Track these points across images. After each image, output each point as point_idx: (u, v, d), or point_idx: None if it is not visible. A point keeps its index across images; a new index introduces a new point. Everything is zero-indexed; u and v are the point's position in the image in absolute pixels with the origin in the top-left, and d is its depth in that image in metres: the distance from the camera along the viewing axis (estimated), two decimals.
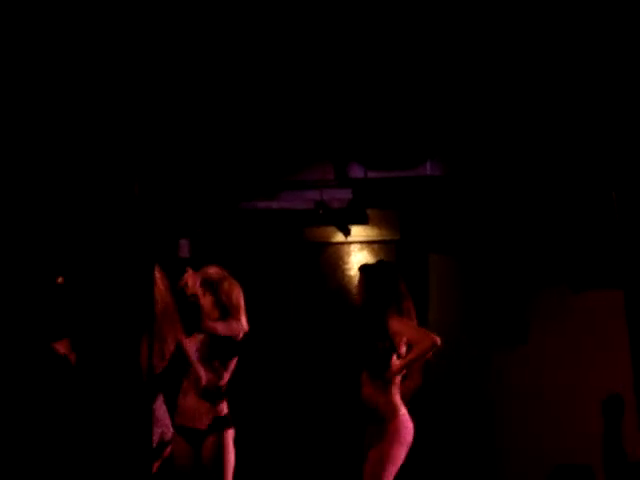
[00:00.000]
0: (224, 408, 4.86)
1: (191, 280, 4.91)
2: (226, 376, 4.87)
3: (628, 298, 4.58)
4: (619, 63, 4.48)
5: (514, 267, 6.81)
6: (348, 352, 5.40)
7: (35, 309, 4.53)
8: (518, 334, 6.76)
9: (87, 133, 3.94)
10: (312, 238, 7.12)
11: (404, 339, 4.85)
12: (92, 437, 3.63)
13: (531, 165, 5.55)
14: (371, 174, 5.96)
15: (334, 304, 6.90)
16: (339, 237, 6.98)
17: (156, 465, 4.50)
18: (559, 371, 6.59)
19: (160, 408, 4.49)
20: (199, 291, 4.88)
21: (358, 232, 6.95)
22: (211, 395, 4.82)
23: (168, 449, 4.58)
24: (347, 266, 7.02)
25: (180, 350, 4.56)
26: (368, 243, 7.02)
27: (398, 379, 4.88)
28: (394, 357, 4.83)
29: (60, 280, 4.90)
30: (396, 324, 4.85)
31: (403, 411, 4.82)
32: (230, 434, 4.88)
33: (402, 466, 4.81)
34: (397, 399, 4.84)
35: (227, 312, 4.87)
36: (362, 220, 6.88)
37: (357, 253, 7.03)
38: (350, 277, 6.81)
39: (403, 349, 4.87)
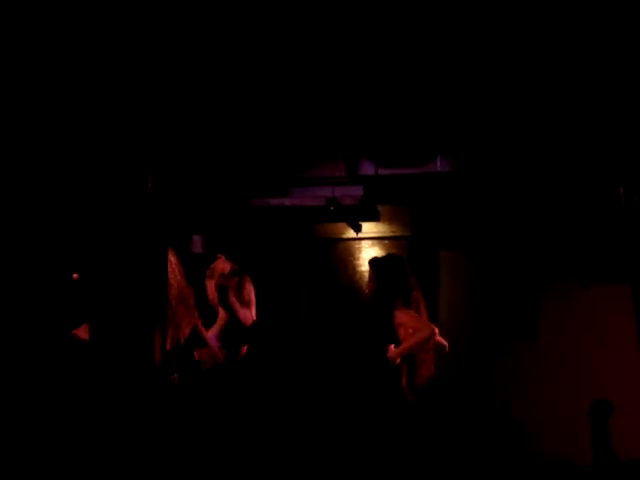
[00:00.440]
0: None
1: (220, 274, 5.06)
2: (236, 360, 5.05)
3: (636, 292, 4.60)
4: (626, 60, 4.50)
5: (523, 262, 6.81)
6: (358, 347, 5.43)
7: (53, 302, 4.60)
8: (527, 329, 6.77)
9: (101, 131, 3.98)
10: (323, 234, 7.15)
11: (409, 330, 4.92)
12: (107, 420, 3.70)
13: (540, 161, 5.57)
14: (382, 171, 5.97)
15: (345, 300, 6.94)
16: (350, 233, 6.99)
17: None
18: (568, 366, 6.58)
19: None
20: (229, 282, 5.05)
21: (369, 228, 6.97)
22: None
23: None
24: (358, 262, 7.05)
25: (196, 333, 4.66)
26: (379, 239, 7.04)
27: (403, 370, 4.94)
28: (392, 346, 4.91)
29: (75, 276, 4.97)
30: (401, 315, 4.93)
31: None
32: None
33: (409, 460, 4.86)
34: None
35: (244, 303, 5.09)
36: (373, 216, 6.89)
37: (368, 249, 7.05)
38: (361, 273, 6.83)
39: (407, 340, 4.95)
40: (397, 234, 6.98)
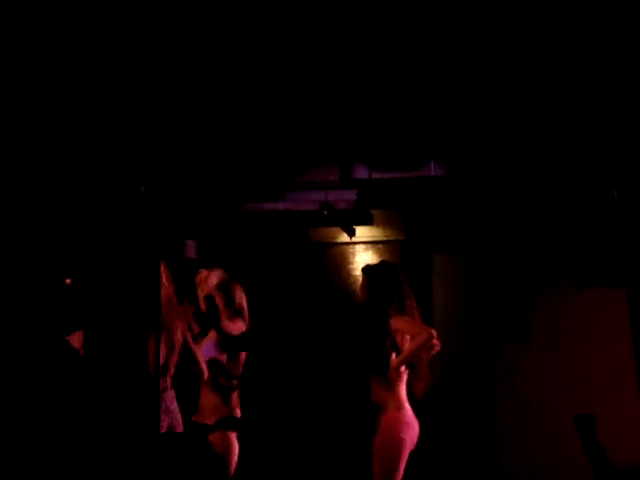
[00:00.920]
0: (236, 408, 4.98)
1: (209, 281, 5.06)
2: (237, 370, 5.03)
3: (630, 296, 4.61)
4: (620, 64, 4.51)
5: (517, 266, 6.81)
6: (353, 352, 5.44)
7: (45, 308, 4.59)
8: (521, 332, 6.77)
9: (94, 135, 3.97)
10: (317, 238, 7.16)
11: (406, 336, 4.91)
12: (101, 427, 3.69)
13: (534, 165, 5.58)
14: (375, 175, 5.98)
15: (339, 304, 6.94)
16: (344, 237, 6.99)
17: None
18: (562, 369, 6.59)
19: (172, 403, 4.56)
20: (216, 293, 5.03)
21: (363, 232, 6.97)
22: (223, 390, 4.92)
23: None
24: (352, 266, 7.05)
25: (186, 345, 4.64)
26: (373, 243, 7.05)
27: (404, 377, 4.92)
28: (393, 355, 4.88)
29: (68, 281, 4.96)
30: (396, 322, 4.92)
31: (407, 408, 4.87)
32: (234, 433, 4.98)
33: (406, 467, 4.85)
34: (403, 396, 4.89)
35: (235, 311, 5.08)
36: (367, 220, 6.91)
37: (362, 253, 7.06)
38: (355, 277, 6.84)
39: (406, 346, 4.93)
40: (391, 238, 6.99)
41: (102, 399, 3.72)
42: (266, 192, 6.26)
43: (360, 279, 5.28)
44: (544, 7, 4.25)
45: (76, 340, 4.59)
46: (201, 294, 5.10)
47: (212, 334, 4.99)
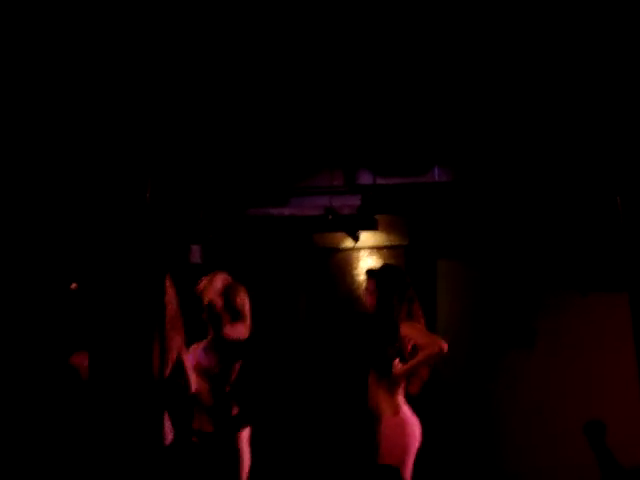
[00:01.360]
0: (233, 410, 4.92)
1: (212, 289, 4.99)
2: (231, 377, 4.93)
3: (633, 301, 4.61)
4: (622, 69, 4.52)
5: (521, 272, 6.82)
6: (357, 356, 5.44)
7: (50, 314, 4.60)
8: (526, 338, 6.78)
9: (99, 141, 3.99)
10: (321, 244, 7.17)
11: (411, 343, 4.90)
12: (105, 436, 3.70)
13: (537, 171, 5.59)
14: (380, 181, 5.99)
15: (343, 309, 6.95)
16: (348, 243, 7.02)
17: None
18: (566, 374, 6.59)
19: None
20: (218, 299, 4.97)
21: (367, 238, 6.98)
22: (220, 397, 4.90)
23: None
24: (356, 271, 7.06)
25: (178, 359, 4.53)
26: (377, 249, 7.06)
27: (403, 382, 4.93)
28: (397, 360, 4.88)
29: (74, 286, 4.97)
30: (407, 328, 4.90)
31: (404, 410, 4.88)
32: (243, 436, 4.93)
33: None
34: (400, 400, 4.90)
35: (237, 316, 4.99)
36: (371, 226, 6.91)
37: (366, 258, 7.07)
38: (359, 282, 6.84)
39: (416, 356, 4.91)
40: (395, 243, 7.00)
41: (106, 408, 3.72)
42: (271, 197, 6.27)
43: (364, 284, 5.28)
44: (549, 15, 4.27)
45: (82, 359, 4.51)
46: (205, 302, 5.00)
47: (197, 345, 4.93)
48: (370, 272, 5.21)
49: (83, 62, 4.06)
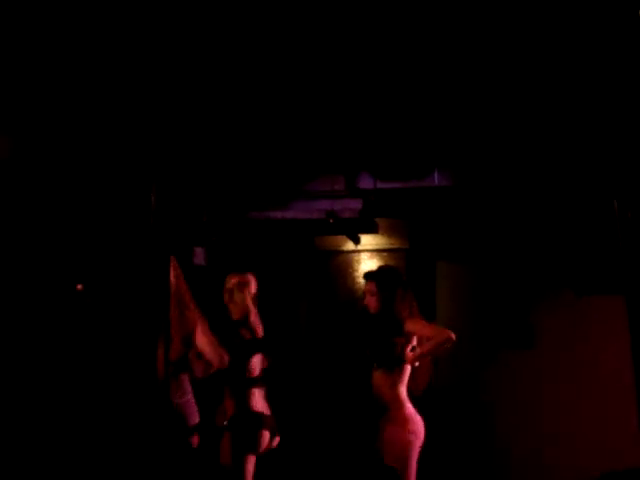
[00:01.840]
0: (251, 406, 4.96)
1: (251, 288, 5.15)
2: (251, 371, 5.00)
3: (629, 304, 4.65)
4: (620, 73, 4.57)
5: (520, 274, 6.86)
6: (358, 357, 5.47)
7: (57, 313, 4.64)
8: (524, 339, 6.81)
9: (105, 147, 4.03)
10: (323, 247, 7.21)
11: (418, 337, 4.98)
12: (110, 429, 3.74)
13: (536, 175, 5.62)
14: (380, 184, 6.02)
15: (344, 311, 6.99)
16: (349, 246, 7.05)
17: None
18: (565, 375, 6.62)
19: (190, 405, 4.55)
20: (252, 307, 5.13)
21: (368, 241, 7.02)
22: (236, 389, 4.95)
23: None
24: (357, 274, 7.09)
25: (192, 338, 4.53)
26: (378, 251, 7.09)
27: (406, 378, 4.98)
28: (408, 349, 4.96)
29: (80, 287, 5.02)
30: (411, 324, 4.96)
31: (408, 406, 4.94)
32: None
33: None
34: (403, 395, 4.96)
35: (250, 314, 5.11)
36: (372, 229, 6.94)
37: (367, 261, 7.11)
38: (360, 284, 6.84)
39: (425, 345, 4.99)
40: (395, 246, 7.04)
41: (111, 403, 3.77)
42: (273, 201, 6.30)
43: (364, 288, 5.31)
44: (551, 19, 4.31)
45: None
46: (238, 300, 5.11)
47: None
48: (369, 274, 5.24)
49: (90, 70, 4.10)
